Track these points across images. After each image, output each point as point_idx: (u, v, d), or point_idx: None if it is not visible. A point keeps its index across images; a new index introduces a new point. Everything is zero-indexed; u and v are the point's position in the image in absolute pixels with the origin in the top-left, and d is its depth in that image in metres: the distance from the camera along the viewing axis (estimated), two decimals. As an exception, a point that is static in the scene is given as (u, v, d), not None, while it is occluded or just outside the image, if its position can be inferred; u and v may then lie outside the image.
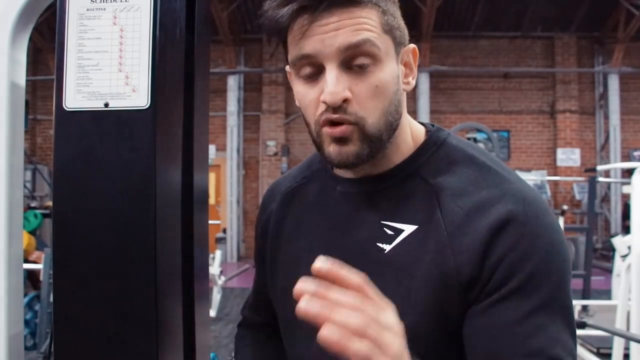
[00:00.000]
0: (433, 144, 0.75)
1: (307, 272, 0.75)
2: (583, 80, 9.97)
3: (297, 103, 0.75)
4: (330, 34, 0.64)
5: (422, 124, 0.79)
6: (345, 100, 0.66)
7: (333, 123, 0.67)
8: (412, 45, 0.74)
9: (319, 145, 0.71)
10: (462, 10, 9.39)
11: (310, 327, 0.72)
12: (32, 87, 9.91)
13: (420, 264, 0.67)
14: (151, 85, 0.78)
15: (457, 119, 9.41)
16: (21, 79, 0.92)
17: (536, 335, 0.62)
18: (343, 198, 0.77)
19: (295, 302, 0.75)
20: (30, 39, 0.95)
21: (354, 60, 0.66)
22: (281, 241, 0.84)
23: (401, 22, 0.72)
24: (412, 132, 0.76)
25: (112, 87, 0.79)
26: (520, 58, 9.97)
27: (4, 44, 0.88)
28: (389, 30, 0.68)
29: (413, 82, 0.74)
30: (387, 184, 0.73)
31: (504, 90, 9.92)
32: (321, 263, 0.51)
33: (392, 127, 0.70)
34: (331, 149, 0.69)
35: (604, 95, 9.83)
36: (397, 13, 0.71)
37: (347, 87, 0.66)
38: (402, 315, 0.61)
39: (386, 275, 0.67)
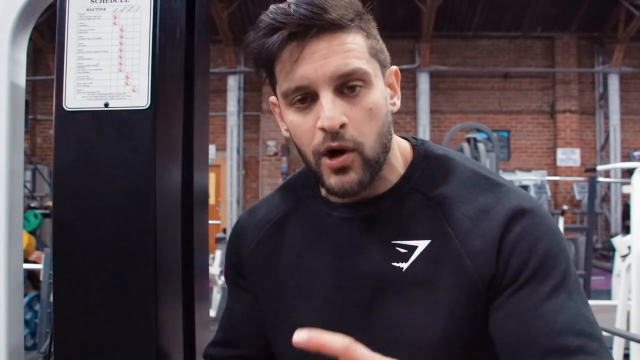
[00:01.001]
0: (422, 158, 0.76)
1: (318, 305, 0.74)
2: (583, 80, 9.96)
3: (284, 133, 0.74)
4: (321, 62, 0.64)
5: (404, 138, 0.80)
6: (342, 126, 0.66)
7: (332, 153, 0.67)
8: (394, 67, 0.75)
9: (318, 176, 0.71)
10: (462, 10, 9.38)
11: None
12: (32, 87, 9.91)
13: (441, 276, 0.68)
14: (151, 85, 0.78)
15: (457, 119, 9.40)
16: (21, 79, 0.92)
17: (560, 313, 0.64)
18: (342, 224, 0.75)
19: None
20: (30, 39, 0.95)
21: (346, 85, 0.66)
22: (279, 274, 0.80)
23: (383, 45, 0.72)
24: (400, 149, 0.77)
25: (112, 87, 0.79)
26: (520, 58, 9.97)
27: (4, 44, 0.88)
28: (374, 54, 0.69)
29: (398, 103, 0.74)
30: (386, 204, 0.73)
31: (504, 90, 9.92)
32: (299, 337, 0.48)
33: (386, 149, 0.71)
34: (332, 180, 0.69)
35: (604, 95, 9.82)
36: (378, 36, 0.72)
37: (342, 112, 0.66)
38: (434, 329, 0.66)
39: (410, 293, 0.69)
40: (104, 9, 0.79)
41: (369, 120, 0.67)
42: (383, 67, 0.71)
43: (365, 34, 0.68)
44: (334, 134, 0.66)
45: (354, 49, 0.66)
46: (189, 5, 0.88)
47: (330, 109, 0.65)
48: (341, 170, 0.68)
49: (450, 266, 0.68)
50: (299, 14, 0.63)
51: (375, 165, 0.69)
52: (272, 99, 0.76)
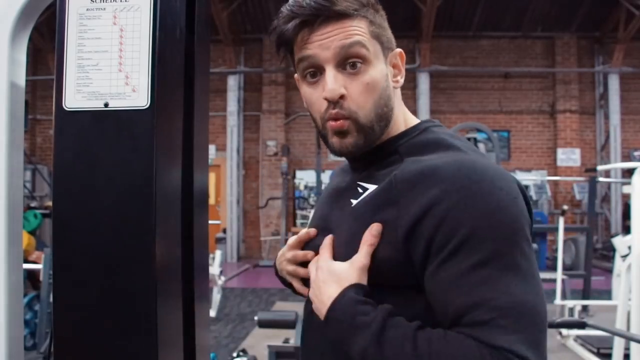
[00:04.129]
0: (416, 130, 0.86)
1: (312, 224, 0.94)
2: (583, 80, 9.96)
3: (304, 104, 0.87)
4: (326, 41, 0.78)
5: (423, 120, 0.90)
6: (342, 97, 0.79)
7: (335, 118, 0.80)
8: (399, 50, 0.87)
9: (324, 137, 0.84)
10: (462, 10, 9.38)
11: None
12: (32, 87, 9.91)
13: (370, 213, 0.78)
14: (151, 85, 0.78)
15: (457, 119, 9.41)
16: (21, 79, 0.92)
17: (479, 287, 0.67)
18: (347, 171, 0.93)
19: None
20: (30, 39, 0.95)
21: (348, 61, 0.79)
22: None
23: (388, 32, 0.85)
24: (407, 124, 0.88)
25: (112, 87, 0.79)
26: (520, 58, 9.97)
27: (4, 44, 0.88)
28: (376, 36, 0.81)
29: (401, 81, 0.87)
30: (371, 159, 0.85)
31: (504, 90, 9.92)
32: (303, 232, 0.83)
33: (383, 118, 0.82)
34: (334, 140, 0.82)
35: (604, 95, 9.82)
36: (384, 24, 0.84)
37: (342, 85, 0.79)
38: (352, 254, 0.77)
39: (349, 223, 0.81)
40: (104, 9, 0.80)
41: (365, 93, 0.80)
42: (386, 49, 0.83)
43: (368, 21, 0.81)
44: (335, 103, 0.79)
45: (356, 29, 0.79)
46: (189, 5, 0.88)
47: (331, 82, 0.79)
48: (340, 134, 0.81)
49: (379, 208, 0.77)
50: (309, 6, 0.77)
51: (369, 131, 0.81)
52: (296, 75, 0.88)
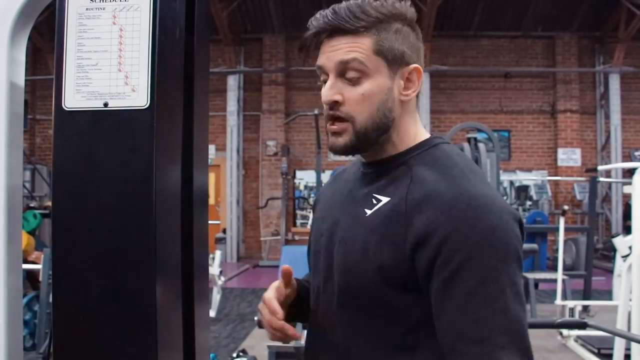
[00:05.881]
0: (427, 145, 0.92)
1: (320, 227, 1.00)
2: (584, 80, 9.96)
3: None
4: (331, 54, 0.87)
5: (433, 135, 0.96)
6: (337, 102, 0.87)
7: (332, 120, 0.89)
8: (414, 65, 0.90)
9: (327, 135, 0.92)
10: (463, 10, 9.38)
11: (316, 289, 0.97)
12: (32, 87, 9.92)
13: (384, 227, 0.85)
14: (151, 85, 0.78)
15: (458, 119, 9.40)
16: (20, 79, 0.92)
17: (479, 307, 0.77)
18: (359, 177, 0.97)
19: (315, 261, 1.01)
20: (30, 39, 0.95)
21: (347, 72, 0.87)
22: (316, 211, 1.07)
23: (402, 48, 0.88)
24: (417, 135, 0.93)
25: (112, 86, 0.78)
26: (520, 58, 9.97)
27: (3, 43, 0.88)
28: (380, 53, 0.87)
29: (412, 95, 0.91)
30: (384, 168, 0.92)
31: (505, 90, 9.92)
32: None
33: (380, 127, 0.89)
34: (330, 140, 0.91)
35: (605, 95, 9.82)
36: (400, 40, 0.88)
37: (338, 92, 0.87)
38: (366, 259, 0.85)
39: (362, 231, 0.88)
40: (104, 9, 0.79)
41: (361, 102, 0.87)
42: (395, 64, 0.88)
43: (374, 39, 0.87)
44: (331, 106, 0.88)
45: (358, 46, 0.86)
46: (189, 5, 0.88)
47: (327, 89, 0.88)
48: (335, 134, 0.90)
49: (392, 222, 0.84)
50: (319, 22, 0.87)
51: (362, 136, 0.88)
52: None
